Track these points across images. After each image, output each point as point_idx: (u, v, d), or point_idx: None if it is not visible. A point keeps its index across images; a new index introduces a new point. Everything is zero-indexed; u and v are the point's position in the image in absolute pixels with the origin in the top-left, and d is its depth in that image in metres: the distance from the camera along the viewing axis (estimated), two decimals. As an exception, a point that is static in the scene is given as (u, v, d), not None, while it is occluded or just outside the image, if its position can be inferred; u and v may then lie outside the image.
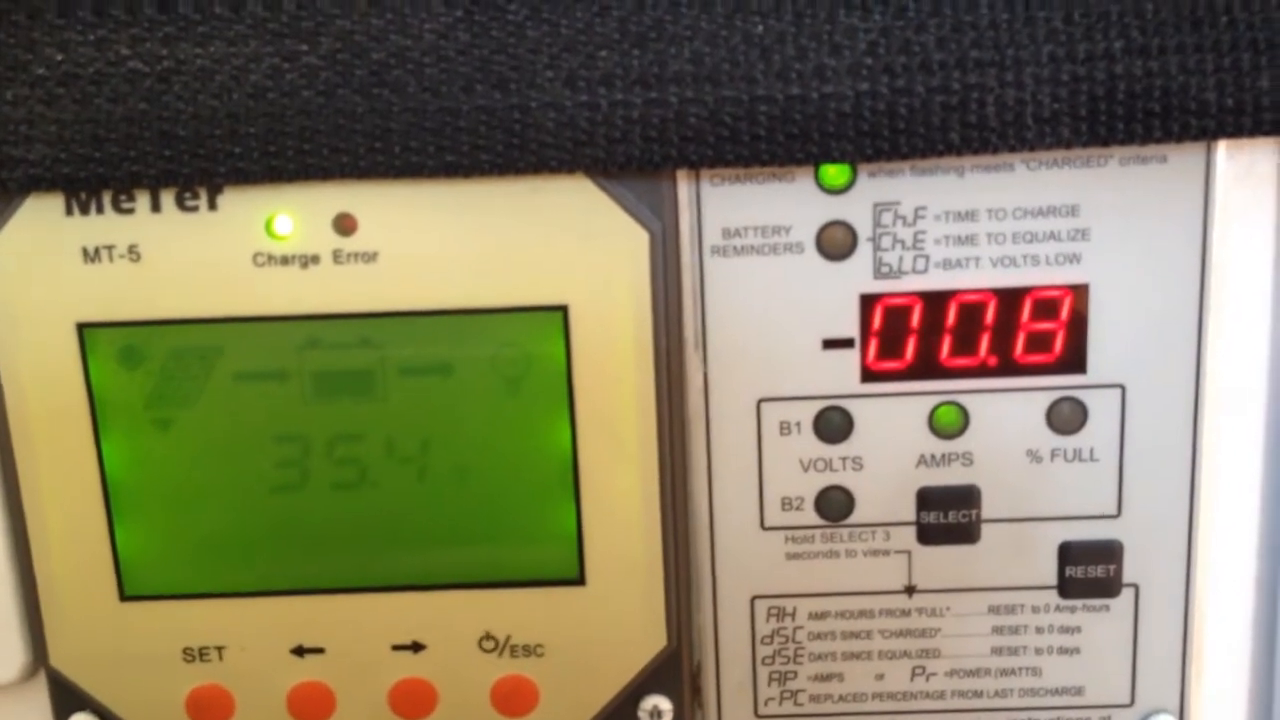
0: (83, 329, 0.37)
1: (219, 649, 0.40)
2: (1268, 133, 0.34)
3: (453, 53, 0.34)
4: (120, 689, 0.40)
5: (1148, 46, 0.33)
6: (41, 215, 0.36)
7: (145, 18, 0.34)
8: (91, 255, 0.36)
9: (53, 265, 0.36)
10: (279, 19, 0.34)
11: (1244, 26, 0.33)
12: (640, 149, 0.34)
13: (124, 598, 0.39)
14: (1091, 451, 0.38)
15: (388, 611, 0.39)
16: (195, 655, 0.39)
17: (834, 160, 0.34)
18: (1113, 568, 0.39)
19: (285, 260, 0.36)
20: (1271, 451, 0.39)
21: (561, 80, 0.34)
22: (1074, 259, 0.36)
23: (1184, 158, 0.35)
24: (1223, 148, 0.35)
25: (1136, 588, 0.39)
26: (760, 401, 0.38)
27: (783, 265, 0.37)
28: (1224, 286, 0.37)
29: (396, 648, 0.39)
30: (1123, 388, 0.37)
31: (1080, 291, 0.37)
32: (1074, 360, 0.37)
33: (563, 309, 0.36)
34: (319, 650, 0.40)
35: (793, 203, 0.36)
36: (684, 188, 0.36)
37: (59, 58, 0.34)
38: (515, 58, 0.34)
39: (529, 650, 0.39)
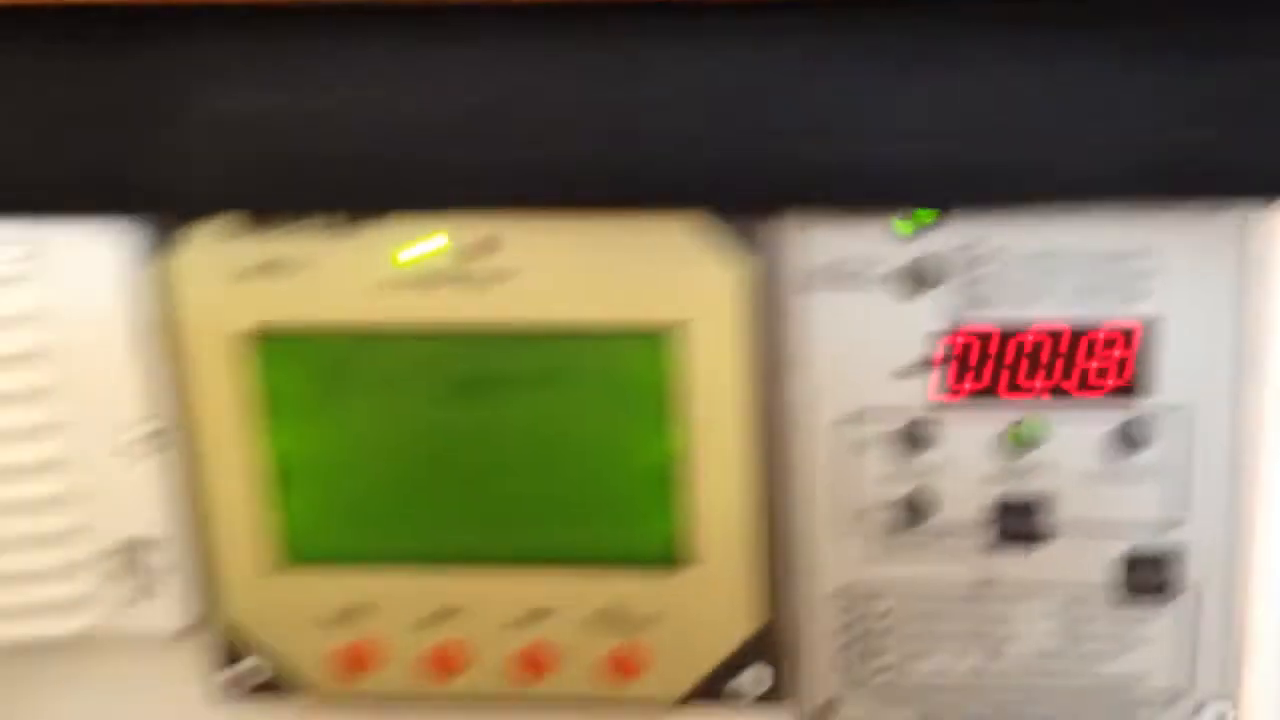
0: (256, 330, 0.42)
1: (369, 610, 0.45)
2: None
3: (585, 106, 0.38)
4: (281, 641, 0.45)
5: (1208, 116, 0.36)
6: (222, 233, 0.41)
7: (309, 69, 0.38)
8: (266, 268, 0.41)
9: (232, 275, 0.41)
10: (435, 73, 0.38)
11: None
12: (748, 193, 0.38)
13: (290, 562, 0.45)
14: (1155, 467, 0.41)
15: (518, 583, 0.44)
16: (349, 614, 0.45)
17: (920, 208, 0.38)
18: (1173, 573, 0.42)
19: (435, 277, 0.41)
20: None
21: (680, 132, 0.37)
22: (1142, 295, 0.39)
23: (1241, 211, 0.38)
24: (1266, 205, 0.38)
25: (1198, 590, 0.42)
26: (844, 417, 0.42)
27: (872, 297, 0.40)
28: (1275, 322, 0.40)
29: (524, 615, 0.44)
30: (1184, 410, 0.41)
31: (1147, 324, 0.40)
32: (1140, 385, 0.40)
33: (673, 329, 0.41)
34: (455, 614, 0.45)
35: (882, 241, 0.40)
36: (784, 227, 0.40)
37: (236, 102, 0.39)
38: (640, 111, 0.38)
39: (640, 622, 0.44)
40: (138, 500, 0.44)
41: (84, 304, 0.42)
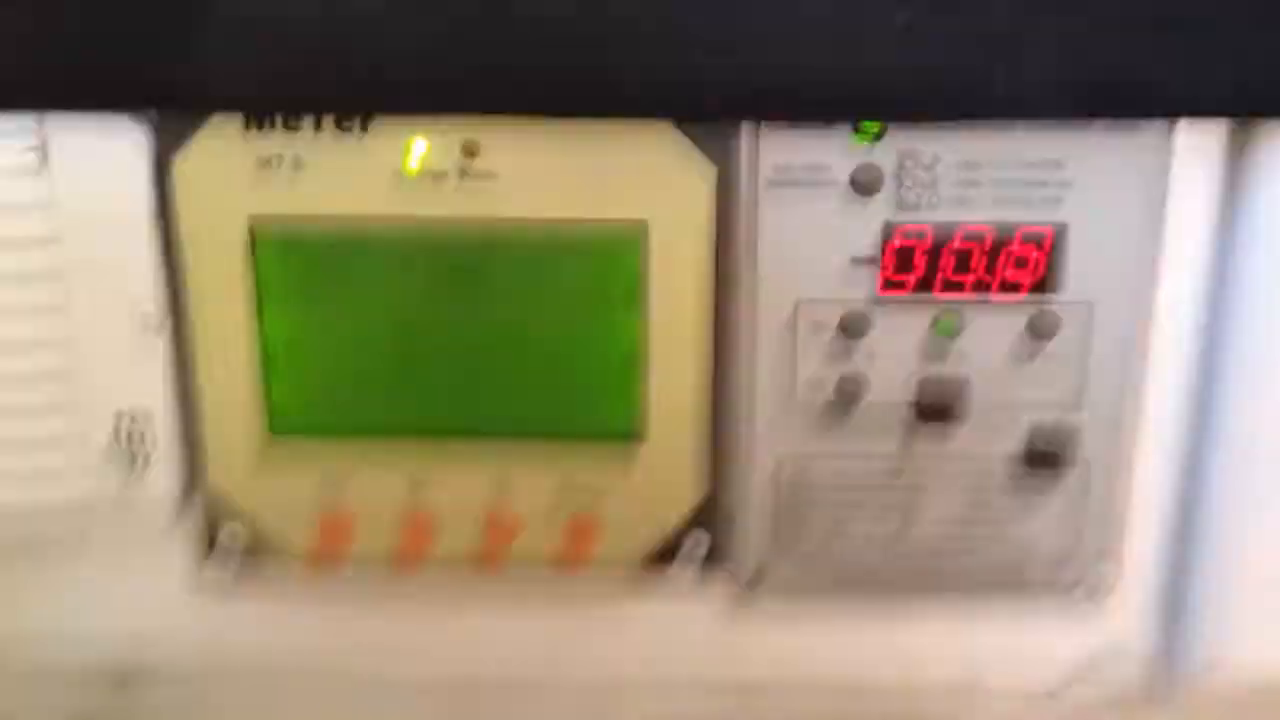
0: (252, 222, 0.45)
1: (346, 479, 0.48)
2: (1218, 114, 0.42)
3: (564, 20, 0.41)
4: (264, 506, 0.49)
5: (1125, 43, 0.40)
6: (225, 130, 0.44)
7: None
8: (263, 163, 0.44)
9: (232, 169, 0.44)
10: None
11: (1204, 29, 0.40)
12: (712, 104, 0.42)
13: (272, 434, 0.48)
14: (1060, 355, 0.46)
15: (486, 455, 0.48)
16: (327, 484, 0.48)
17: (869, 119, 0.43)
18: (1069, 446, 0.48)
19: (420, 176, 0.44)
20: (1202, 368, 0.47)
21: (653, 47, 0.41)
22: (1057, 203, 0.45)
23: (1151, 129, 0.44)
24: (1183, 124, 0.43)
25: (1089, 464, 0.48)
26: (797, 304, 0.46)
27: (821, 197, 0.45)
28: (1175, 232, 0.45)
29: (491, 486, 0.48)
30: (1088, 306, 0.46)
31: (1060, 229, 0.45)
32: (1051, 282, 0.46)
33: (642, 225, 0.45)
34: (427, 484, 0.48)
35: (833, 148, 0.44)
36: (745, 134, 0.44)
37: (247, 6, 0.41)
38: (615, 27, 0.41)
39: (598, 492, 0.48)
40: (136, 376, 0.47)
41: (92, 193, 0.44)
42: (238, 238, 0.45)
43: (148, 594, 0.51)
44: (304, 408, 0.48)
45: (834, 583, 0.50)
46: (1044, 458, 0.48)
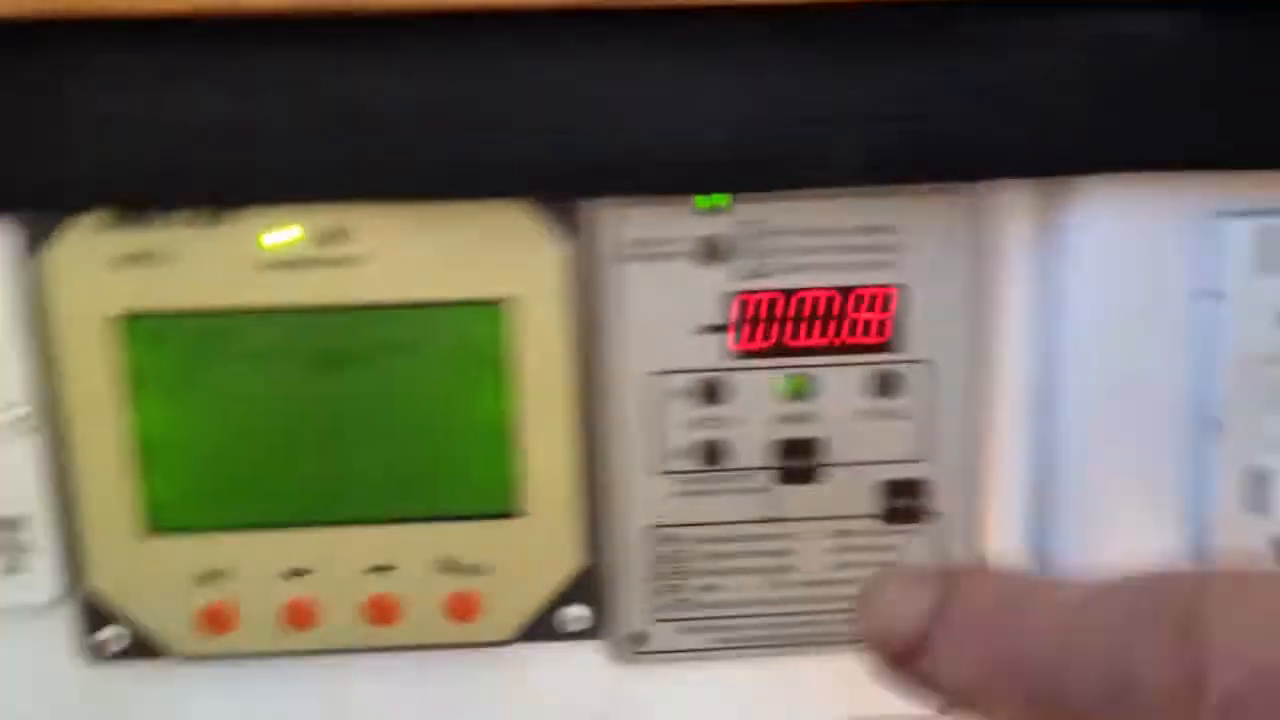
0: (121, 317, 0.46)
1: (227, 572, 0.49)
2: (1021, 175, 0.45)
3: (421, 107, 0.43)
4: (143, 606, 0.49)
5: (927, 112, 0.44)
6: (91, 227, 0.45)
7: (181, 76, 0.43)
8: (131, 259, 0.46)
9: (99, 266, 0.45)
10: (287, 78, 0.43)
11: (1002, 97, 0.44)
12: (563, 183, 0.44)
13: (150, 531, 0.48)
14: (906, 411, 0.49)
15: (364, 540, 0.49)
16: (207, 578, 0.49)
17: (708, 193, 0.46)
18: (921, 500, 0.50)
19: (287, 263, 0.46)
20: (1038, 414, 0.50)
21: (506, 130, 0.44)
22: (891, 265, 0.48)
23: (969, 192, 0.47)
24: (993, 186, 0.47)
25: (941, 515, 0.50)
26: (653, 374, 0.49)
27: (671, 269, 0.47)
28: (1001, 287, 0.48)
29: (370, 569, 0.49)
30: (928, 362, 0.49)
31: (897, 290, 0.48)
32: (892, 342, 0.48)
33: (502, 303, 0.47)
34: (308, 572, 0.49)
35: (679, 221, 0.47)
36: (596, 210, 0.47)
37: (110, 107, 0.43)
38: (469, 112, 0.43)
39: (475, 569, 0.49)
40: (9, 481, 0.47)
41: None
42: (107, 332, 0.46)
43: (29, 701, 0.50)
44: (180, 502, 0.48)
45: (714, 643, 0.51)
46: (899, 512, 0.50)
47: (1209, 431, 0.48)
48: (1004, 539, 0.51)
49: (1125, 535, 0.50)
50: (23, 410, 0.47)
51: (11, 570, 0.48)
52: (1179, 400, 0.48)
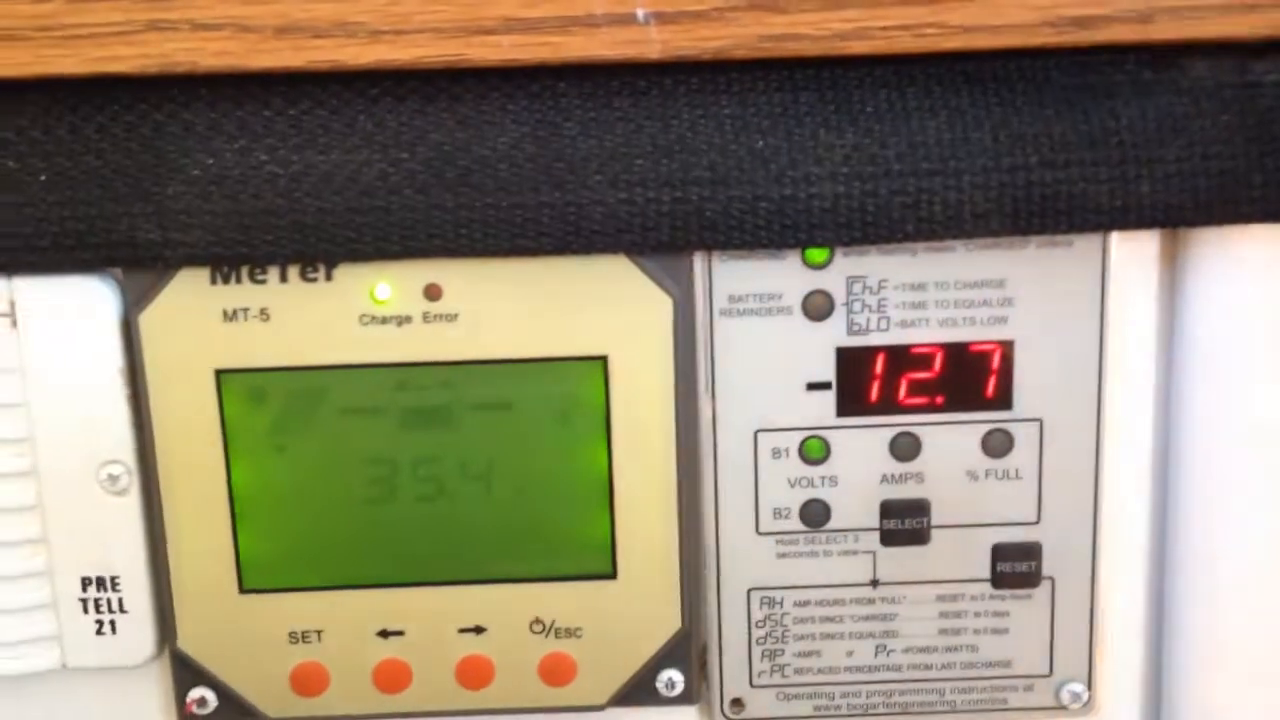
0: (220, 374, 0.46)
1: (318, 632, 0.48)
2: (1147, 226, 0.43)
3: (521, 160, 0.43)
4: (235, 667, 0.48)
5: (1055, 160, 0.43)
6: (191, 284, 0.45)
7: (278, 131, 0.43)
8: (230, 315, 0.45)
9: (198, 323, 0.45)
10: (385, 133, 0.43)
11: (1129, 145, 0.43)
12: (667, 235, 0.43)
13: (242, 590, 0.48)
14: (1017, 471, 0.47)
15: (456, 601, 0.48)
16: (299, 638, 0.48)
17: (816, 246, 0.45)
18: (1034, 564, 0.48)
19: (384, 320, 0.45)
20: (1156, 471, 0.49)
21: (607, 182, 0.43)
22: (1002, 320, 0.46)
23: (1086, 243, 0.45)
24: (1115, 237, 0.45)
25: (1053, 580, 0.49)
26: (757, 432, 0.47)
27: (775, 324, 0.46)
28: (1118, 341, 0.47)
29: (463, 630, 0.48)
30: (1041, 421, 0.47)
31: (1007, 346, 0.47)
32: (1003, 399, 0.47)
33: (604, 359, 0.46)
34: (400, 633, 0.48)
35: (784, 276, 0.46)
36: (699, 264, 0.46)
37: (210, 162, 0.43)
38: (570, 164, 0.43)
39: (570, 632, 0.48)
40: (105, 539, 0.47)
41: (60, 353, 0.45)
42: (206, 390, 0.46)
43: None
44: (273, 560, 0.48)
45: (813, 710, 0.50)
46: (1009, 577, 0.49)
47: (1338, 495, 0.46)
48: (1120, 605, 0.49)
49: (1248, 598, 0.48)
50: (120, 468, 0.46)
51: (105, 629, 0.48)
52: (1310, 462, 0.46)
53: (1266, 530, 0.47)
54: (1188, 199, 0.43)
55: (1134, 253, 0.46)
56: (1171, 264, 0.47)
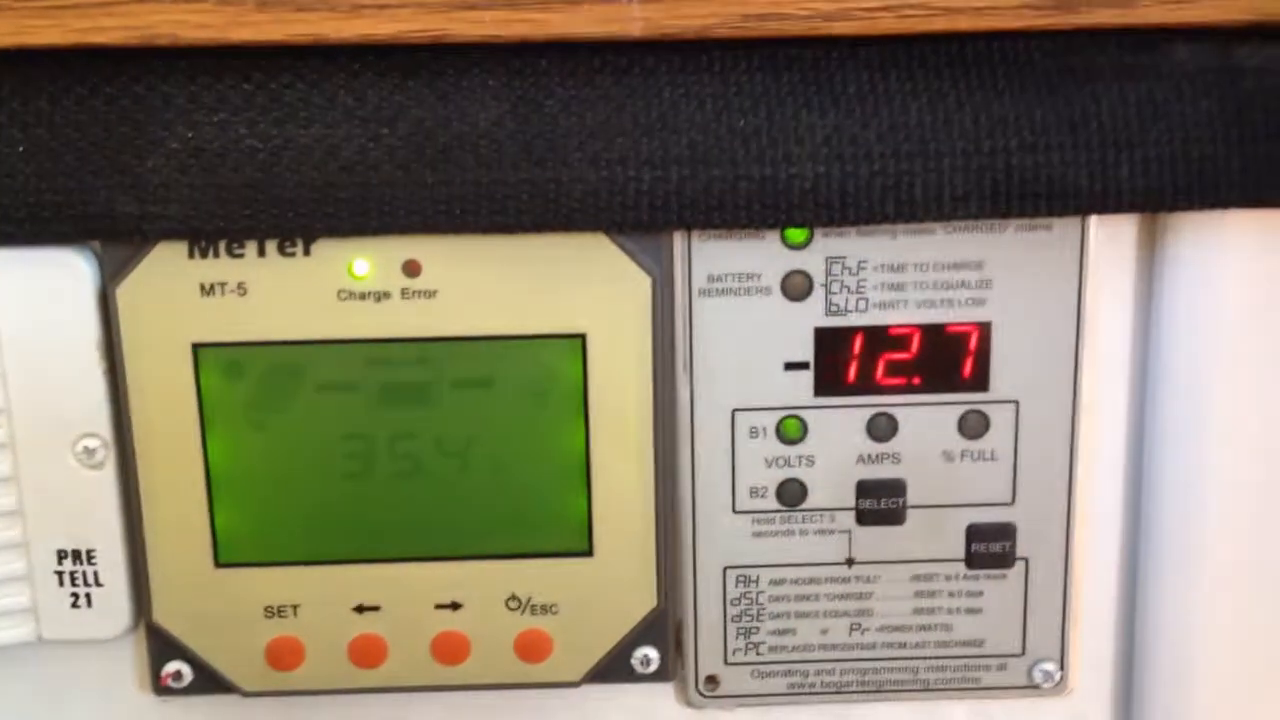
0: (197, 348, 0.46)
1: (294, 607, 0.48)
2: (1127, 210, 0.43)
3: (502, 137, 0.43)
4: (210, 641, 0.48)
5: (1036, 144, 0.43)
6: (169, 257, 0.45)
7: (258, 105, 0.43)
8: (207, 290, 0.45)
9: (176, 296, 0.45)
10: (365, 108, 0.43)
11: (1109, 129, 0.43)
12: (647, 214, 0.43)
13: (218, 564, 0.48)
14: (992, 452, 0.48)
15: (433, 577, 0.48)
16: (274, 612, 0.48)
17: (796, 226, 0.45)
18: (1008, 545, 0.49)
19: (362, 295, 0.45)
20: (1131, 454, 0.49)
21: (587, 160, 0.43)
22: (980, 302, 0.46)
23: (1064, 227, 0.46)
24: (1094, 220, 0.45)
25: (1027, 561, 0.49)
26: (734, 411, 0.47)
27: (754, 304, 0.46)
28: (1095, 325, 0.47)
29: (439, 606, 0.48)
30: (1017, 403, 0.47)
31: (984, 328, 0.47)
32: (979, 381, 0.47)
33: (582, 337, 0.46)
34: (375, 608, 0.48)
35: (763, 256, 0.46)
36: (679, 243, 0.46)
37: (189, 135, 0.43)
38: (551, 142, 0.43)
39: (546, 609, 0.48)
40: (81, 513, 0.47)
41: (35, 326, 0.45)
42: (182, 364, 0.46)
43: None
44: (249, 535, 0.48)
45: (787, 688, 0.50)
46: (983, 557, 0.49)
47: (1311, 478, 0.47)
48: (1093, 586, 0.50)
49: (1220, 581, 0.48)
50: (96, 441, 0.46)
51: (80, 602, 0.47)
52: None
53: (1239, 513, 0.48)
54: (1167, 183, 0.43)
55: (1112, 236, 0.47)
56: (1150, 248, 0.47)
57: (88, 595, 0.48)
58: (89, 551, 0.47)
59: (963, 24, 0.42)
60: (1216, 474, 0.47)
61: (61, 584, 0.47)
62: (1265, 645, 0.49)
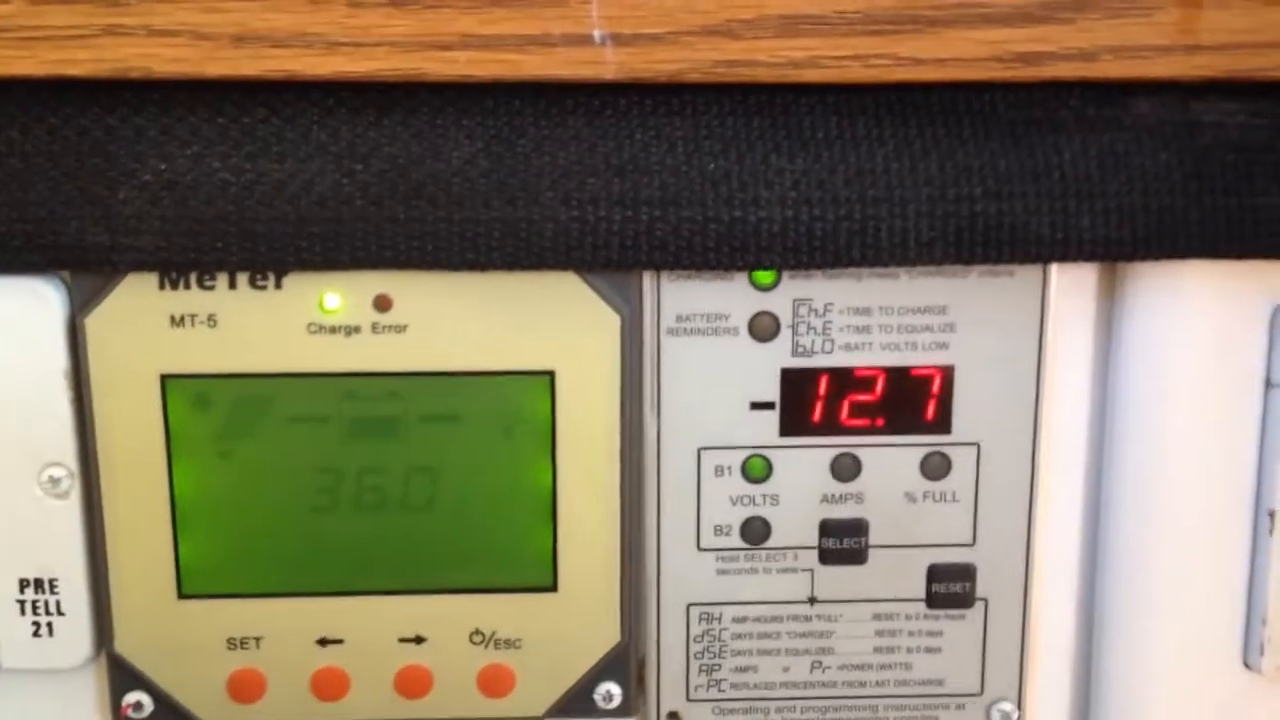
0: (165, 379, 0.46)
1: (257, 639, 0.48)
2: (1087, 259, 0.44)
3: (475, 175, 0.43)
4: (172, 672, 0.48)
5: (999, 192, 0.44)
6: (139, 288, 0.45)
7: (232, 138, 0.43)
8: (177, 321, 0.45)
9: (145, 327, 0.45)
10: (339, 144, 0.43)
11: (1071, 180, 0.44)
12: (617, 254, 0.44)
13: (181, 595, 0.48)
14: (954, 494, 0.48)
15: (397, 610, 0.48)
16: (237, 644, 0.48)
17: (764, 268, 0.45)
18: (968, 585, 0.49)
19: (333, 329, 0.46)
20: (1089, 497, 0.50)
21: (559, 200, 0.43)
22: (943, 346, 0.47)
23: (1027, 273, 0.46)
24: (1055, 268, 0.46)
25: (986, 601, 0.49)
26: (700, 449, 0.48)
27: (721, 344, 0.47)
28: (1055, 369, 0.47)
29: (403, 640, 0.48)
30: (979, 445, 0.48)
31: (947, 371, 0.47)
32: (942, 423, 0.48)
33: (551, 374, 0.46)
34: (339, 641, 0.48)
35: (731, 296, 0.46)
36: (648, 282, 0.46)
37: (162, 167, 0.43)
38: (523, 181, 0.43)
39: (509, 643, 0.48)
40: (44, 542, 0.47)
41: (6, 355, 0.45)
42: (150, 395, 0.46)
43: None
44: (213, 566, 0.48)
45: (747, 727, 0.50)
46: (944, 597, 0.49)
47: (1265, 524, 0.47)
48: (1051, 627, 0.50)
49: (1176, 629, 0.49)
50: (61, 470, 0.46)
51: (42, 631, 0.47)
52: (1238, 492, 0.47)
53: (1195, 557, 0.48)
54: (1126, 233, 0.44)
55: (1073, 284, 0.47)
56: (1109, 296, 0.48)
57: (49, 624, 0.47)
58: (51, 581, 0.47)
59: (929, 74, 0.42)
60: (1173, 518, 0.48)
61: (23, 613, 0.47)
62: (1220, 687, 0.49)
